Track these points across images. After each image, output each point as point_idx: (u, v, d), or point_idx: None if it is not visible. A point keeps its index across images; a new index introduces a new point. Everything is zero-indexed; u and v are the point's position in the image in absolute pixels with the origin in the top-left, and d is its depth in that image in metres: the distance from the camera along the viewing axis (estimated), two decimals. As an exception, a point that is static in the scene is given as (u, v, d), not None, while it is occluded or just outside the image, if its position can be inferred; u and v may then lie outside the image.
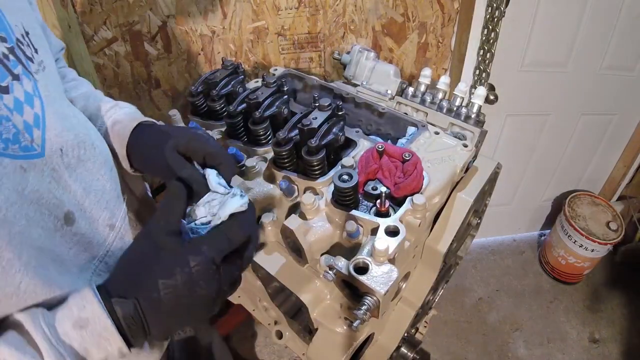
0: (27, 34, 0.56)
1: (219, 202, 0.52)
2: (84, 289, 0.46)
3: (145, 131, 0.66)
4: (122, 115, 0.69)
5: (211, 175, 0.55)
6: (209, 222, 0.51)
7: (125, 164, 0.68)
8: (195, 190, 0.54)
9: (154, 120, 0.71)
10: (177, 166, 0.57)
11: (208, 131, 0.78)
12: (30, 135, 0.50)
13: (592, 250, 1.96)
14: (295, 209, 0.72)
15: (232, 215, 0.50)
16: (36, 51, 0.57)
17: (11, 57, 0.50)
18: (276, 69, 1.02)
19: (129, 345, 0.46)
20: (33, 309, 0.45)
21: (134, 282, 0.46)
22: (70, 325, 0.43)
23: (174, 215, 0.49)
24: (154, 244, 0.47)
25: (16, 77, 0.50)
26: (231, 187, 0.55)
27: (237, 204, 0.51)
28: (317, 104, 0.73)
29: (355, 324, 0.55)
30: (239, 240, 0.50)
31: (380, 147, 0.67)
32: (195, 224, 0.51)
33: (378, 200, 0.64)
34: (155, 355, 0.61)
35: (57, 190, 0.54)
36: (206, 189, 0.54)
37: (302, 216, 0.65)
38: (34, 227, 0.49)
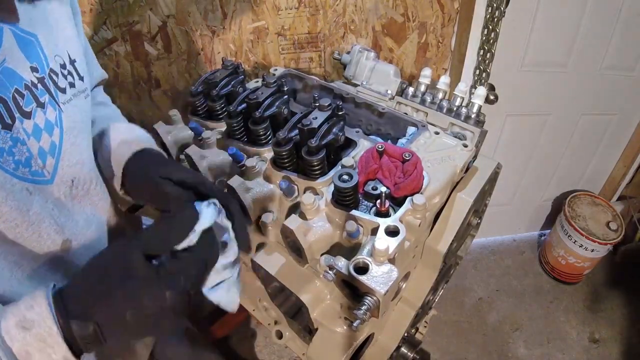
0: (74, 62, 0.58)
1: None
2: (38, 290, 0.42)
3: (144, 158, 0.64)
4: (133, 137, 0.68)
5: (208, 211, 0.48)
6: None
7: (117, 183, 0.65)
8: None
9: (161, 151, 0.70)
10: (164, 185, 0.54)
11: (208, 131, 0.78)
12: (43, 161, 0.52)
13: (592, 250, 1.96)
14: (295, 209, 0.72)
15: (204, 232, 0.46)
16: (82, 79, 0.59)
17: (39, 86, 0.52)
18: (276, 69, 1.02)
19: (76, 354, 0.41)
20: None
21: (97, 303, 0.41)
22: (13, 323, 0.40)
23: (167, 242, 0.44)
24: (127, 264, 0.42)
25: (41, 105, 0.52)
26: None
27: (213, 213, 0.47)
28: (317, 104, 0.73)
29: (355, 324, 0.55)
30: (213, 263, 0.48)
31: (380, 147, 0.67)
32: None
33: (378, 200, 0.64)
34: None
35: (60, 218, 0.55)
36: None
37: (302, 216, 0.65)
38: (25, 246, 0.50)
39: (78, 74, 0.59)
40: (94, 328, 0.40)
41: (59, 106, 0.55)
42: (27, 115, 0.50)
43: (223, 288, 0.49)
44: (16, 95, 0.49)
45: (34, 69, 0.52)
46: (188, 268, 0.44)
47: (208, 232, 0.47)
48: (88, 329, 0.40)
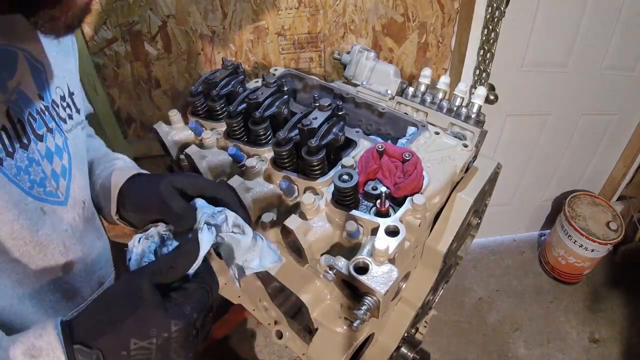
0: (72, 94, 0.61)
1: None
2: (48, 319, 0.42)
3: (142, 177, 0.66)
4: (124, 165, 0.71)
5: (205, 237, 0.50)
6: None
7: (113, 208, 0.64)
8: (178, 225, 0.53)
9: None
10: (169, 197, 0.54)
11: (208, 131, 0.79)
12: (57, 183, 0.54)
13: (592, 250, 1.96)
14: (295, 209, 0.72)
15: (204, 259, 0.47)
16: (78, 111, 0.61)
17: (47, 113, 0.54)
18: (276, 69, 1.01)
19: None
20: None
21: (102, 330, 0.41)
22: (21, 351, 0.39)
23: (174, 273, 0.45)
24: (135, 293, 0.42)
25: (50, 130, 0.54)
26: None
27: (211, 238, 0.49)
28: (317, 104, 0.73)
29: (355, 324, 0.55)
30: (217, 291, 0.48)
31: (380, 147, 0.67)
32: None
33: (378, 200, 0.64)
34: None
35: (69, 240, 0.57)
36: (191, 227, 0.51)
37: (302, 216, 0.65)
38: (29, 265, 0.52)
39: (75, 107, 0.61)
40: (98, 356, 0.40)
41: (64, 134, 0.57)
42: (40, 138, 0.52)
43: (264, 255, 0.53)
44: (30, 118, 0.51)
45: (40, 97, 0.53)
46: (194, 297, 0.44)
47: (204, 261, 0.49)
48: (92, 357, 0.40)
